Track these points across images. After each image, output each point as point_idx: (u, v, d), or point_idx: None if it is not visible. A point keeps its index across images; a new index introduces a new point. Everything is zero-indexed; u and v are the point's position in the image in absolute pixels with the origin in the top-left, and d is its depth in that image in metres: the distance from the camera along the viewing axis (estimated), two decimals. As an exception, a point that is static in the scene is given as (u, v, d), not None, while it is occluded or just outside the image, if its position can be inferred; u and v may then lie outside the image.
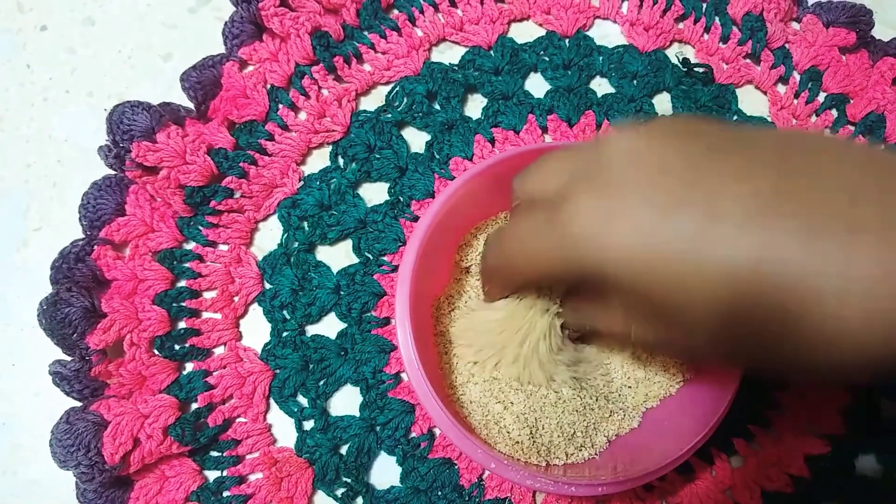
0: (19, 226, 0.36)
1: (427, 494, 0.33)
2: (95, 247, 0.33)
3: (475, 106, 0.39)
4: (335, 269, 0.35)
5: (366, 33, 0.39)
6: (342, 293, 0.35)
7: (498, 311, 0.31)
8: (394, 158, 0.37)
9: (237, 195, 0.35)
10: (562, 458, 0.31)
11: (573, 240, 0.21)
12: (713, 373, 0.31)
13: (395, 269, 0.35)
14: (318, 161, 0.38)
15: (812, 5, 0.42)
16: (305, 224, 0.36)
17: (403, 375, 0.34)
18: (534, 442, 0.30)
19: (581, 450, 0.31)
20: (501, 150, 0.38)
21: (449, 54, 0.40)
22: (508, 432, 0.30)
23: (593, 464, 0.31)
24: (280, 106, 0.37)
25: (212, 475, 0.33)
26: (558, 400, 0.31)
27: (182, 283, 0.35)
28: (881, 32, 0.41)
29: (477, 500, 0.33)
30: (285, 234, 0.36)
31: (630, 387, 0.33)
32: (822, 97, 0.41)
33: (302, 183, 0.37)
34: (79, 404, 0.31)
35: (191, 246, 0.35)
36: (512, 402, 0.31)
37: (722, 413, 0.29)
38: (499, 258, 0.27)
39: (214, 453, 0.33)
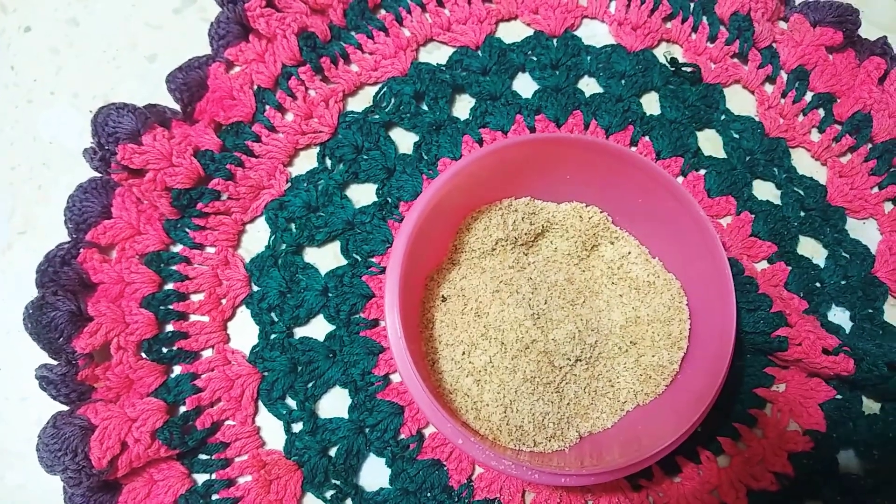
0: (3, 229, 0.36)
1: (416, 496, 0.33)
2: (81, 250, 0.33)
3: (463, 106, 0.39)
4: (323, 271, 0.35)
5: (353, 34, 0.39)
6: (330, 295, 0.35)
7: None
8: (381, 159, 0.37)
9: (224, 197, 0.35)
10: (529, 445, 0.31)
11: None
12: (693, 383, 0.32)
13: (384, 270, 0.35)
14: (306, 162, 0.37)
15: (799, 5, 0.42)
16: (293, 226, 0.36)
17: (392, 377, 0.34)
18: (507, 423, 0.31)
19: (551, 441, 0.32)
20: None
21: (436, 54, 0.40)
22: (479, 409, 0.31)
23: (560, 455, 0.31)
24: (267, 107, 0.37)
25: (200, 478, 0.33)
26: (536, 378, 0.32)
27: (169, 286, 0.35)
28: (868, 31, 0.41)
29: (466, 500, 0.33)
30: (272, 236, 0.36)
31: (613, 387, 0.33)
32: (809, 96, 0.41)
33: (289, 184, 0.36)
34: (66, 408, 0.31)
35: (178, 248, 0.35)
36: (489, 381, 0.31)
37: (696, 422, 0.29)
38: None
39: (203, 456, 0.33)
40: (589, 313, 0.34)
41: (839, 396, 0.35)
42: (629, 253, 0.35)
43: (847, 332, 0.37)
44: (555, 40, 0.40)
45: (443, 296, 0.34)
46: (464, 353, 0.32)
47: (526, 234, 0.35)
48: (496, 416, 0.31)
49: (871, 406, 0.35)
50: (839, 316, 0.37)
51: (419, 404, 0.28)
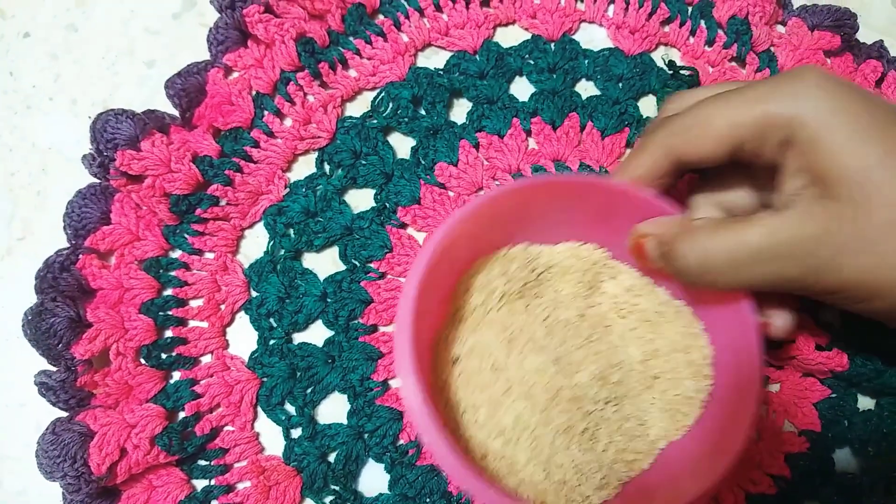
0: (2, 235, 0.36)
1: (415, 501, 0.33)
2: (80, 256, 0.33)
3: (461, 110, 0.39)
4: (322, 277, 0.35)
5: (351, 39, 0.39)
6: (329, 300, 0.35)
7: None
8: (380, 164, 0.37)
9: (223, 203, 0.35)
10: (579, 500, 0.30)
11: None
12: (723, 409, 0.30)
13: (382, 276, 0.35)
14: (304, 168, 0.37)
15: (797, 9, 0.42)
16: (291, 231, 0.36)
17: (391, 383, 0.34)
18: (550, 481, 0.29)
19: (599, 491, 0.30)
20: (486, 155, 0.38)
21: (434, 59, 0.40)
22: (517, 472, 0.29)
23: None
24: (265, 112, 0.37)
25: (200, 484, 0.33)
26: (569, 429, 0.30)
27: (168, 292, 0.35)
28: (865, 36, 0.41)
29: (465, 506, 0.33)
30: (271, 242, 0.36)
31: (643, 426, 0.32)
32: (806, 100, 0.41)
33: (288, 190, 0.36)
34: (65, 415, 0.31)
35: (177, 254, 0.35)
36: (520, 440, 0.29)
37: (734, 457, 0.27)
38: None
39: (202, 462, 0.33)
40: (607, 349, 0.32)
41: (833, 395, 0.35)
42: (632, 286, 0.33)
43: (839, 330, 0.37)
44: (552, 44, 0.40)
45: (454, 357, 0.31)
46: (488, 415, 0.30)
47: (527, 282, 0.32)
48: (538, 475, 0.29)
49: (865, 403, 0.35)
50: (831, 315, 0.37)
51: (461, 484, 0.25)
